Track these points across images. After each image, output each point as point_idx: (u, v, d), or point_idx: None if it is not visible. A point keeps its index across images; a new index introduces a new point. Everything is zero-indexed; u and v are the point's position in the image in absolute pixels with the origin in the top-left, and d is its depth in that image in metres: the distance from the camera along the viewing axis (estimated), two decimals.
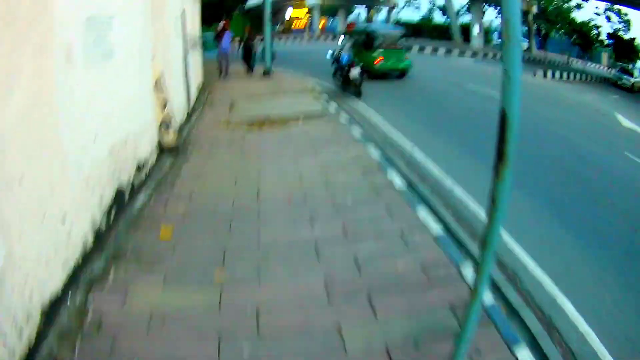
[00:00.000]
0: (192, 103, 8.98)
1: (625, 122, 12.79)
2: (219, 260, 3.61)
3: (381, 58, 12.85)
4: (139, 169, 4.99)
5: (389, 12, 55.02)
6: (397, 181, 5.39)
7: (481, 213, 4.90)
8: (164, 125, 6.19)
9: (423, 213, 4.57)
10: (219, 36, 13.15)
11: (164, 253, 3.69)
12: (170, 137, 6.26)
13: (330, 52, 12.06)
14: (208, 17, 19.12)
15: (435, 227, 4.27)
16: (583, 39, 38.22)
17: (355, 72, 10.64)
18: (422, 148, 7.05)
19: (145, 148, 5.36)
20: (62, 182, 3.05)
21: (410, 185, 5.34)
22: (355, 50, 13.45)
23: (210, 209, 4.55)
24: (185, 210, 4.53)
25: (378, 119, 8.78)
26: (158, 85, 6.05)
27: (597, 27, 37.77)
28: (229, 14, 21.54)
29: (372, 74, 12.32)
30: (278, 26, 53.50)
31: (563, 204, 5.69)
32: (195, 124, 7.84)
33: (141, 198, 4.73)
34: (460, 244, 4.02)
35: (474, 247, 3.94)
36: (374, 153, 6.37)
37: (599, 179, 6.98)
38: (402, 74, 13.43)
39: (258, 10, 16.29)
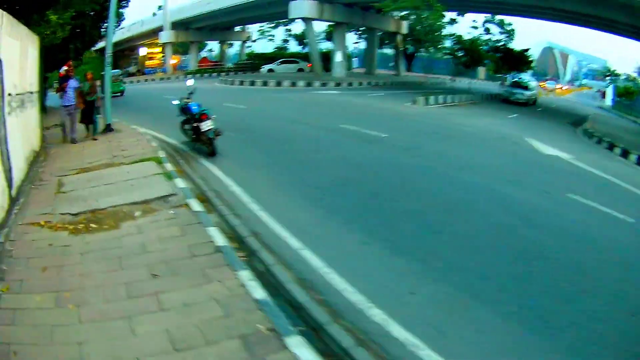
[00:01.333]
0: (16, 184, 5.91)
1: (544, 148, 11.42)
2: None
3: None
4: None
5: (242, 45, 53.71)
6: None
7: None
8: None
9: None
10: (61, 87, 10.38)
11: None
12: None
13: (177, 101, 9.18)
14: (56, 62, 14.61)
15: None
16: (471, 56, 38.00)
17: (206, 125, 8.06)
18: (315, 249, 4.44)
19: None
20: None
21: None
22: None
23: None
24: None
25: (242, 196, 5.97)
26: None
27: (486, 43, 37.62)
28: (79, 57, 17.27)
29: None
30: (132, 67, 49.59)
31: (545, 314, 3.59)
32: (14, 222, 5.00)
33: None
34: None
35: None
36: (253, 288, 3.51)
37: (564, 249, 5.08)
38: (121, 93, 21.46)
39: (114, 50, 14.73)
